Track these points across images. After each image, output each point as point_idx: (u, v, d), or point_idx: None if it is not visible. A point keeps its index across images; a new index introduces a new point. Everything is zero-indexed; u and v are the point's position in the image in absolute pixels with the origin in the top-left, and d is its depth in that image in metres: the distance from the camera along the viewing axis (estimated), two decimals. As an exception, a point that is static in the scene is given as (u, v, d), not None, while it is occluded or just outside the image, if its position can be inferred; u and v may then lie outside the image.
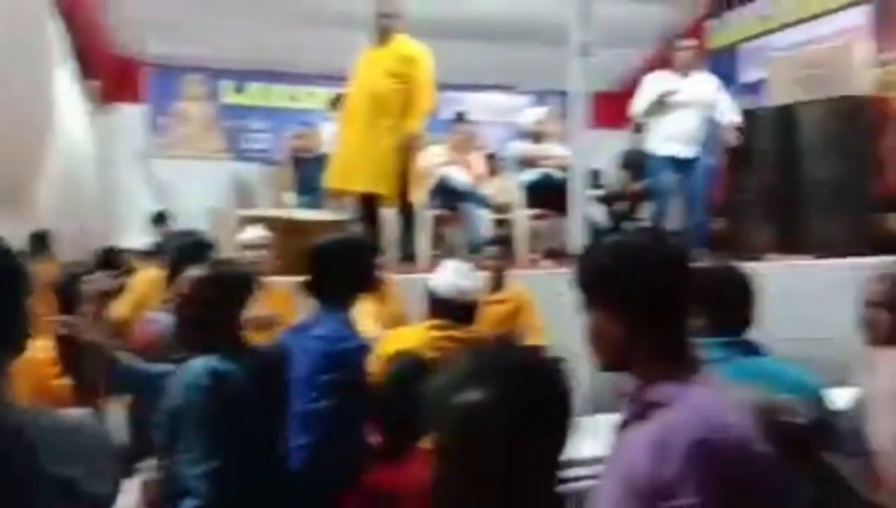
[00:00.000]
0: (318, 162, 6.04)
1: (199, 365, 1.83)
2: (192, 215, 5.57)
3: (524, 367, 0.94)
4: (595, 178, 5.93)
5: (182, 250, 2.68)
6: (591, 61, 3.57)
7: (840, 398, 2.01)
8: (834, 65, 5.31)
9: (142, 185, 6.41)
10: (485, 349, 0.98)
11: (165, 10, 5.79)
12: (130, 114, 6.68)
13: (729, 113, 5.29)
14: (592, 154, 4.54)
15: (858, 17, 5.58)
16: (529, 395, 0.90)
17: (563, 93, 3.89)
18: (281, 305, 3.24)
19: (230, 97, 7.05)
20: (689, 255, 1.33)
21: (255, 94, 7.12)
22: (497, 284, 3.90)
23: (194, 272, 1.97)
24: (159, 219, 5.87)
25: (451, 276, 2.47)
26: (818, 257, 4.78)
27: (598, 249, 1.33)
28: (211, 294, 1.92)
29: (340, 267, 2.20)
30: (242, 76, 7.00)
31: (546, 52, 4.67)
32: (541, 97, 7.54)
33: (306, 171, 6.01)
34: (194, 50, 6.54)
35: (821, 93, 5.20)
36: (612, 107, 6.51)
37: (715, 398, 1.19)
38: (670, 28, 6.82)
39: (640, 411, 1.21)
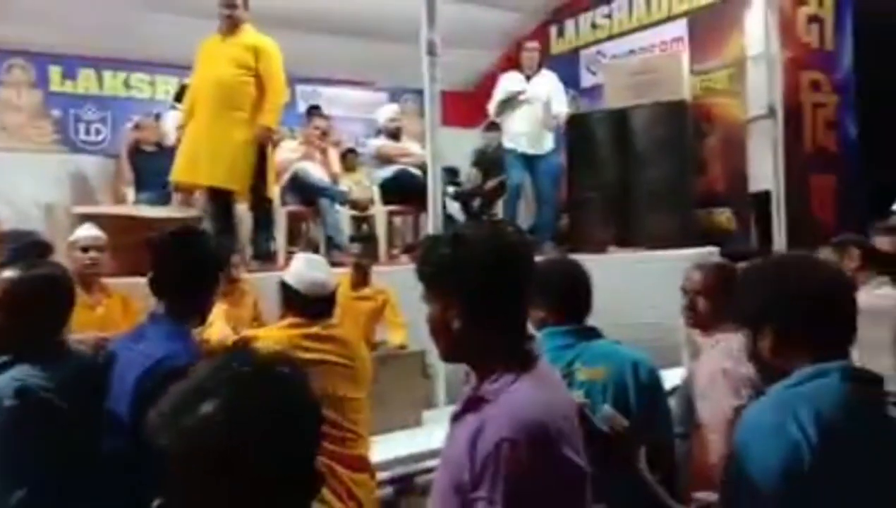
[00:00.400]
0: (161, 154, 5.71)
1: (2, 382, 1.66)
2: (20, 212, 5.06)
3: (255, 375, 0.88)
4: (453, 176, 6.09)
5: (17, 252, 2.44)
6: (441, 61, 3.70)
7: (671, 378, 2.23)
8: (661, 72, 5.82)
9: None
10: (214, 360, 0.92)
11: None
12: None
13: (559, 105, 5.64)
14: (449, 151, 4.68)
15: (680, 29, 6.15)
16: (263, 403, 0.85)
17: (420, 91, 3.98)
18: (119, 310, 3.06)
19: (58, 84, 6.47)
20: (530, 249, 1.36)
21: (86, 81, 6.58)
22: (361, 280, 3.91)
23: (6, 273, 1.80)
24: (-24, 217, 5.27)
25: (303, 269, 2.43)
26: (651, 250, 5.23)
27: (438, 241, 1.34)
28: (23, 297, 1.75)
29: (174, 262, 1.92)
30: (71, 61, 6.45)
31: (402, 49, 4.73)
32: (398, 94, 7.60)
33: (148, 165, 5.65)
34: (16, 32, 5.93)
35: (650, 97, 5.69)
36: (466, 107, 6.73)
37: (535, 396, 1.20)
38: (517, 32, 7.13)
39: (470, 404, 1.24)
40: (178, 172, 4.33)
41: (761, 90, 5.38)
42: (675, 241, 5.16)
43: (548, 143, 5.59)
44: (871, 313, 2.15)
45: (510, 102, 5.53)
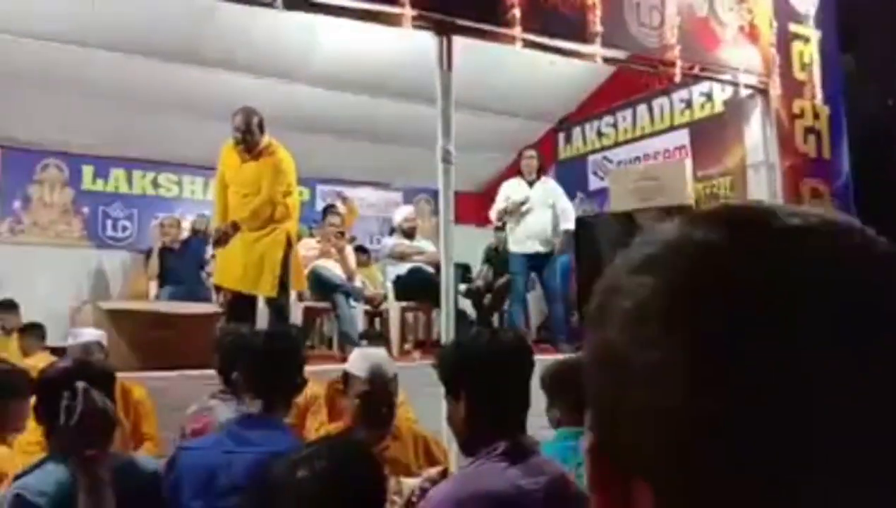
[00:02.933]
0: (184, 251, 5.94)
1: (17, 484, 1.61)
2: (47, 306, 5.24)
3: (340, 453, 1.19)
4: (465, 272, 6.24)
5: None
6: (454, 166, 3.94)
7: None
8: (665, 178, 6.05)
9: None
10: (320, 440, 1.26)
11: (19, 92, 5.59)
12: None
13: (567, 222, 5.83)
14: (462, 249, 4.85)
15: (682, 138, 6.45)
16: (343, 475, 1.14)
17: (434, 191, 4.19)
18: (136, 410, 3.08)
19: (90, 183, 6.80)
20: (525, 354, 1.54)
21: (116, 181, 6.92)
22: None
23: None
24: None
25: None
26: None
27: (448, 347, 1.61)
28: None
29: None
30: (104, 161, 6.81)
31: (416, 152, 5.00)
32: (412, 194, 7.91)
33: (171, 262, 5.86)
34: (53, 133, 6.31)
35: (655, 202, 5.89)
36: (479, 206, 6.98)
37: (473, 480, 1.37)
38: (527, 138, 7.49)
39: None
40: (217, 277, 4.69)
41: (762, 196, 5.58)
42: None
43: (551, 245, 5.73)
44: None
45: (514, 211, 5.67)
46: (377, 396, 2.23)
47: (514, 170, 6.02)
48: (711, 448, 0.33)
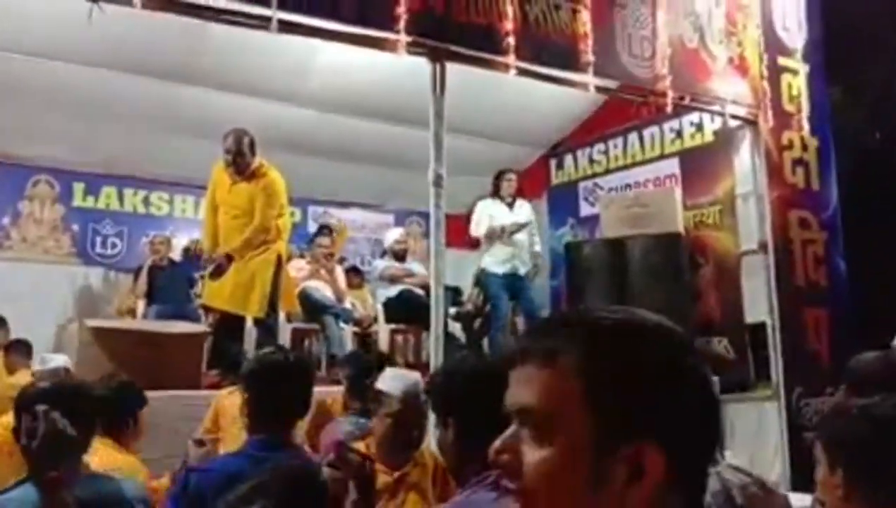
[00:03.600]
0: (172, 270, 5.92)
1: (16, 498, 1.62)
2: (33, 323, 5.19)
3: (286, 487, 1.19)
4: (456, 295, 6.23)
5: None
6: (445, 189, 3.96)
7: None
8: (656, 205, 6.10)
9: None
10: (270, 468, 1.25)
11: (11, 108, 5.59)
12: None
13: (537, 243, 5.96)
14: (453, 272, 4.86)
15: (672, 166, 6.51)
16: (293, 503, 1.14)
17: (426, 214, 4.20)
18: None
19: (80, 199, 6.77)
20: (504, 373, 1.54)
21: (107, 198, 6.89)
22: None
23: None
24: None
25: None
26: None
27: (437, 373, 1.61)
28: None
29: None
30: (95, 179, 6.79)
31: (408, 174, 5.01)
32: (404, 216, 7.92)
33: (160, 280, 5.83)
34: (45, 151, 6.30)
35: (645, 229, 5.93)
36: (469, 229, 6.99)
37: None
38: (519, 163, 7.53)
39: None
40: (205, 297, 4.71)
41: (752, 226, 5.63)
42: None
43: (529, 266, 5.77)
44: None
45: (515, 232, 5.70)
46: (410, 417, 2.23)
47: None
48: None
